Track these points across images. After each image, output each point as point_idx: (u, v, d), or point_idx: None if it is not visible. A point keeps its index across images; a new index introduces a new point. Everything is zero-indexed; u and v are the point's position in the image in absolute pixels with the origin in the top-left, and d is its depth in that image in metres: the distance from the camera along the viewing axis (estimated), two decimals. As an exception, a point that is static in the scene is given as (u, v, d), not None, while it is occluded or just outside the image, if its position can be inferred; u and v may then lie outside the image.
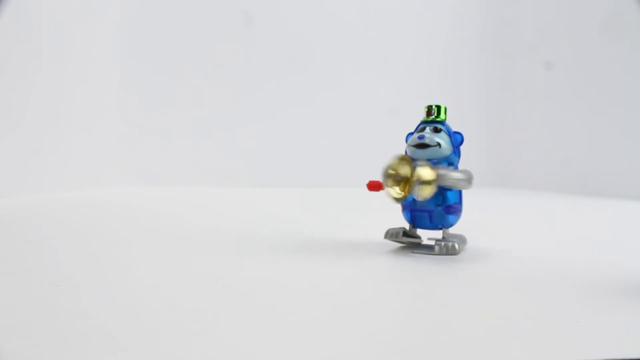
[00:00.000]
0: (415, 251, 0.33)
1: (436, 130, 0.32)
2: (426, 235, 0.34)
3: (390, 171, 0.31)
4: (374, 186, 0.33)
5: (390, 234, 0.34)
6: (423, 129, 0.33)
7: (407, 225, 0.34)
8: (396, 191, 0.30)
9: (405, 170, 0.30)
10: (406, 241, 0.34)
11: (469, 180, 0.31)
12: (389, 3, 1.13)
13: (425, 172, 0.29)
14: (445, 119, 0.34)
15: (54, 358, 0.16)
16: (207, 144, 1.04)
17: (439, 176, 0.30)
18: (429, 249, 0.32)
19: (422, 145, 0.32)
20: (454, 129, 0.34)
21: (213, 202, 0.75)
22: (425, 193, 0.30)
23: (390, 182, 0.31)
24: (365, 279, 0.27)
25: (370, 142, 0.98)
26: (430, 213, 0.32)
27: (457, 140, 0.33)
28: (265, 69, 1.07)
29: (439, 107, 0.33)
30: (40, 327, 0.18)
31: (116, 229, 0.46)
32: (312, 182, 1.00)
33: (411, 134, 0.34)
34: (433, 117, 0.33)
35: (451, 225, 0.33)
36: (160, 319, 0.19)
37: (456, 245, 0.31)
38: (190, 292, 0.23)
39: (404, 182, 0.30)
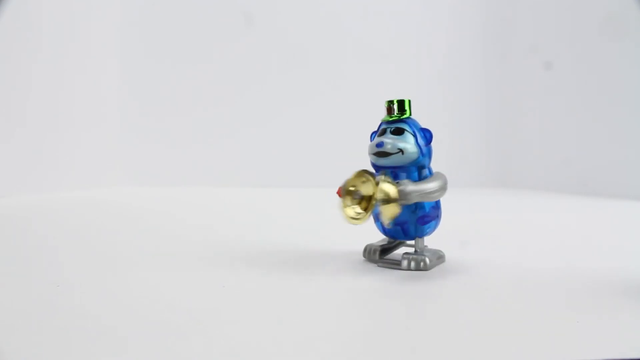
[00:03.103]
0: (380, 265, 0.29)
1: (398, 132, 0.28)
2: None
3: (351, 187, 0.27)
4: None
5: (368, 252, 0.30)
6: (383, 132, 0.28)
7: (380, 234, 0.30)
8: (355, 211, 0.27)
9: (367, 189, 0.27)
10: (382, 263, 0.29)
11: (443, 188, 0.27)
12: (389, 3, 1.13)
13: (388, 189, 0.26)
14: (410, 114, 0.29)
15: (54, 358, 0.16)
16: (207, 144, 1.04)
17: (405, 194, 0.26)
18: (396, 263, 0.28)
19: (383, 154, 0.27)
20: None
21: (213, 202, 0.75)
22: (389, 214, 0.26)
23: (349, 200, 0.27)
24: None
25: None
26: (403, 225, 0.28)
27: (425, 138, 0.28)
28: (265, 69, 1.07)
29: (401, 103, 0.28)
30: (40, 327, 0.18)
31: (116, 229, 0.46)
32: (312, 182, 1.00)
33: (375, 133, 0.29)
34: (395, 115, 0.28)
35: (428, 234, 0.29)
36: (161, 319, 0.19)
37: (427, 260, 0.27)
38: (190, 292, 0.23)
39: (366, 201, 0.27)
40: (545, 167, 1.05)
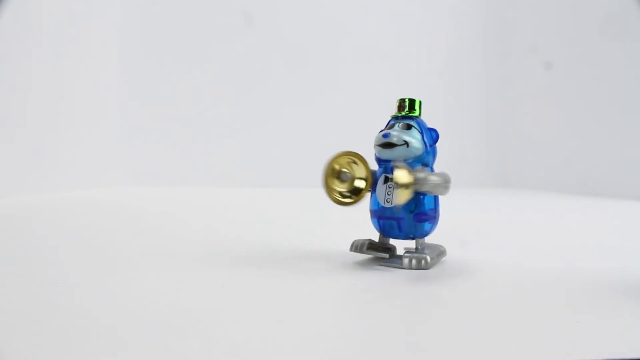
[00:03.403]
0: (381, 264, 0.29)
1: (407, 128, 0.28)
2: (401, 245, 0.31)
3: (336, 166, 0.27)
4: None
5: (355, 246, 0.30)
6: (392, 126, 0.29)
7: (376, 235, 0.30)
8: (343, 193, 0.27)
9: (360, 172, 0.27)
10: (372, 254, 0.29)
11: (447, 185, 0.27)
12: (389, 3, 1.13)
13: (403, 175, 0.26)
14: (419, 114, 0.30)
15: (54, 358, 0.16)
16: (207, 144, 1.04)
17: (417, 180, 0.26)
18: (396, 261, 0.29)
19: (388, 145, 0.28)
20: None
21: (213, 202, 0.75)
22: (402, 199, 0.26)
23: (336, 182, 0.27)
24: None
25: (371, 142, 0.98)
26: (399, 221, 0.28)
27: (431, 137, 0.29)
28: (265, 69, 1.07)
29: (412, 101, 0.29)
30: (40, 327, 0.18)
31: (116, 229, 0.46)
32: (312, 182, 1.00)
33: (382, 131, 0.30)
34: (405, 112, 0.29)
35: (425, 235, 0.29)
36: (160, 318, 0.19)
37: (428, 259, 0.27)
38: (190, 292, 0.23)
39: (355, 184, 0.27)
40: (545, 167, 1.05)
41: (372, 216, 0.29)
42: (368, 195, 0.29)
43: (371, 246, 0.30)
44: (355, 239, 0.30)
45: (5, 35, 0.69)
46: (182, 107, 1.05)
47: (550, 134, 1.05)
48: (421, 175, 0.26)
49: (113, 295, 0.23)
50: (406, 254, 0.28)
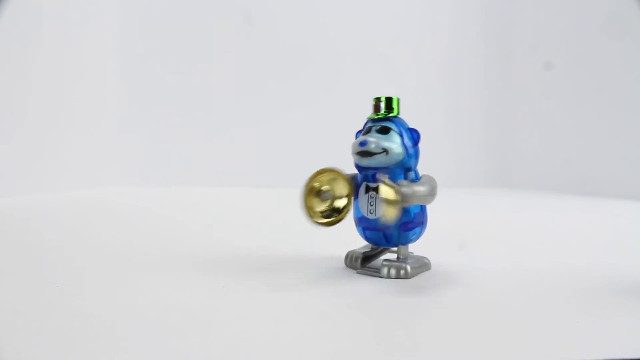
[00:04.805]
0: (359, 272, 0.27)
1: (384, 131, 0.26)
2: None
3: (316, 184, 0.25)
4: None
5: (350, 258, 0.28)
6: (369, 130, 0.27)
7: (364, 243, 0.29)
8: (320, 212, 0.26)
9: (340, 189, 0.25)
10: (364, 272, 0.27)
11: (434, 192, 0.25)
12: (389, 3, 1.13)
13: (389, 193, 0.23)
14: (398, 113, 0.27)
15: (54, 358, 0.16)
16: (207, 145, 1.04)
17: (404, 196, 0.24)
18: (375, 270, 0.27)
19: (366, 154, 0.26)
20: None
21: (213, 202, 0.75)
22: (390, 216, 0.24)
23: (316, 201, 0.25)
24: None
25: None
26: (385, 231, 0.26)
27: (412, 139, 0.26)
28: (265, 70, 1.07)
29: (389, 100, 0.27)
30: (40, 327, 0.18)
31: (116, 229, 0.46)
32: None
33: (360, 131, 0.28)
34: (382, 113, 0.27)
35: (412, 242, 0.27)
36: (160, 319, 0.19)
37: (408, 268, 0.26)
38: (190, 292, 0.23)
39: (334, 202, 0.25)
40: (545, 167, 1.05)
41: (356, 224, 0.28)
42: (350, 213, 0.27)
43: (366, 259, 0.28)
44: (350, 249, 0.29)
45: (5, 35, 0.69)
46: (182, 107, 1.05)
47: (550, 134, 1.05)
48: (407, 190, 0.24)
49: (113, 295, 0.23)
50: (385, 263, 0.26)
